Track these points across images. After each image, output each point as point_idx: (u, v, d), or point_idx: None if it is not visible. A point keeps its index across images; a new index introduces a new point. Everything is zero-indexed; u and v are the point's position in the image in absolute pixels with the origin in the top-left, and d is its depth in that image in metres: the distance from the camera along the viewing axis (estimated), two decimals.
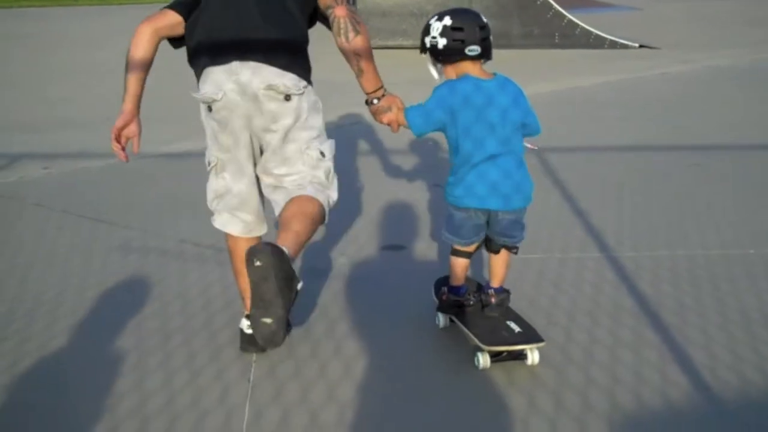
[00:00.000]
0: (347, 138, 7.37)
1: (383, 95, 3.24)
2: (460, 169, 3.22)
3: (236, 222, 3.26)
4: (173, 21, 3.13)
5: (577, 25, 15.49)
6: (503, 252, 3.39)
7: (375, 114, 3.28)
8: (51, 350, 3.39)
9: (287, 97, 3.03)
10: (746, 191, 5.68)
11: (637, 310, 3.72)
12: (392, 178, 6.08)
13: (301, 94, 3.07)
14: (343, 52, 3.06)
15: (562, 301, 3.84)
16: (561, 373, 3.16)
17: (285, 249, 2.77)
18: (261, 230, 3.33)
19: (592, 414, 2.88)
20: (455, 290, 3.48)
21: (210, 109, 3.10)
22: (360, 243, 4.68)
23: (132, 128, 3.21)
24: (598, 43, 15.36)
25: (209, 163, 3.25)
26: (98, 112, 8.99)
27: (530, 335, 3.25)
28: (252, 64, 2.99)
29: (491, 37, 3.32)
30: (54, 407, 2.96)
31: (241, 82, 3.00)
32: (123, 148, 3.24)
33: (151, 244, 4.72)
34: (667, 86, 10.87)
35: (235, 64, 2.99)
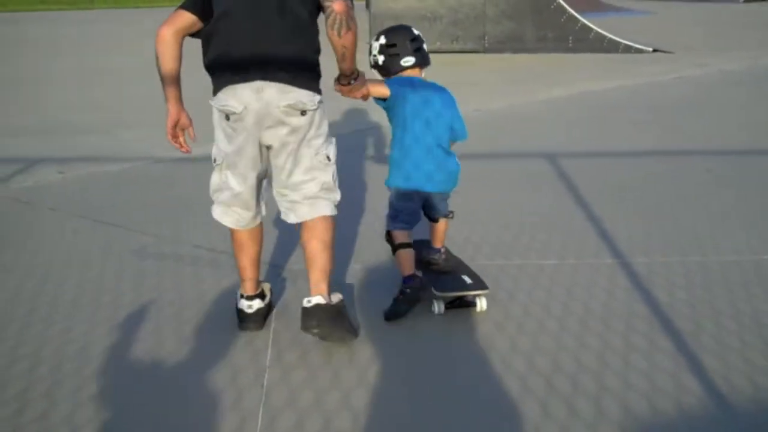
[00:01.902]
0: (360, 144, 7.39)
1: (357, 76, 3.48)
2: (402, 160, 3.83)
3: (231, 215, 3.57)
4: (190, 20, 3.33)
5: (591, 29, 15.47)
6: (442, 221, 4.07)
7: (349, 92, 3.55)
8: (67, 354, 3.41)
9: (303, 113, 3.32)
10: (760, 197, 5.66)
11: (651, 316, 3.72)
12: None
13: (316, 109, 3.35)
14: (332, 41, 3.23)
15: (575, 306, 3.84)
16: (574, 379, 3.16)
17: (322, 299, 3.37)
18: (255, 223, 3.62)
19: (605, 420, 2.88)
20: (407, 280, 3.86)
21: (228, 118, 3.33)
22: (375, 249, 4.69)
23: (183, 122, 3.46)
24: (612, 47, 15.34)
25: (215, 160, 3.51)
26: (114, 117, 9.06)
27: (477, 285, 3.84)
28: (276, 84, 3.25)
29: (424, 46, 3.91)
30: (68, 412, 2.98)
31: (264, 100, 3.25)
32: (181, 143, 3.52)
33: (166, 249, 4.75)
34: (681, 90, 10.84)
35: (260, 83, 3.24)
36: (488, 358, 3.34)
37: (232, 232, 3.63)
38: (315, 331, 3.33)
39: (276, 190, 3.52)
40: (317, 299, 3.36)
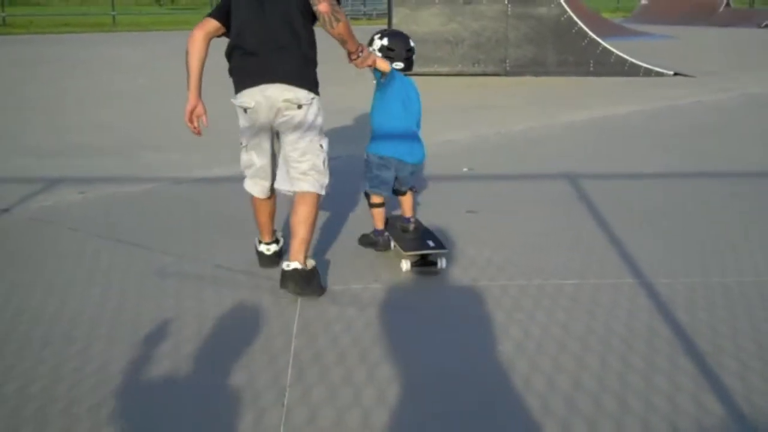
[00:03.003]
0: None
1: (363, 50, 4.49)
2: (387, 132, 4.83)
3: (257, 185, 4.56)
4: (215, 26, 4.32)
5: (612, 52, 15.48)
6: (408, 194, 5.05)
7: (360, 63, 4.53)
8: (86, 373, 3.45)
9: (299, 107, 4.28)
10: None
11: (672, 337, 3.71)
12: (426, 203, 6.11)
13: (310, 104, 4.31)
14: (330, 34, 4.25)
15: (596, 327, 3.84)
16: (595, 399, 3.16)
17: (299, 265, 4.22)
18: (270, 192, 4.59)
19: None
20: (378, 233, 5.04)
21: (245, 111, 4.35)
22: (394, 267, 4.71)
23: (198, 109, 4.35)
24: (633, 70, 15.33)
25: (242, 143, 4.50)
26: (135, 138, 9.14)
27: (438, 246, 4.77)
28: (277, 85, 4.24)
29: (414, 56, 4.90)
30: (86, 431, 3.00)
31: (267, 96, 4.25)
32: (195, 126, 4.39)
33: (187, 269, 4.79)
34: (703, 114, 10.82)
35: (264, 86, 4.25)
36: (509, 377, 3.35)
37: (254, 201, 4.63)
38: (291, 288, 4.21)
39: (279, 162, 4.48)
40: (295, 264, 4.22)
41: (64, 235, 5.47)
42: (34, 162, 7.85)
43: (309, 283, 4.24)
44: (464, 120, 10.42)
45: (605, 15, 31.49)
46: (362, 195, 5.27)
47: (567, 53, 15.55)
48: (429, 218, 5.68)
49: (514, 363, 3.48)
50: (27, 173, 7.33)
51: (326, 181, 4.45)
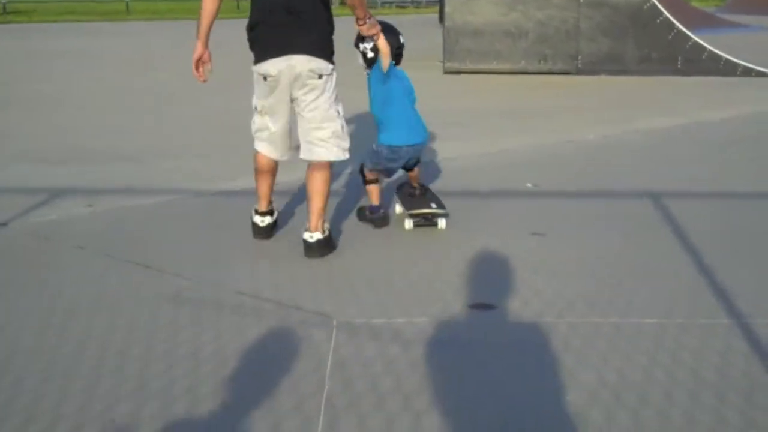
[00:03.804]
0: (434, 179, 7.41)
1: (370, 17, 5.53)
2: (397, 121, 5.91)
3: (267, 147, 5.58)
4: None
5: (704, 48, 15.35)
6: (415, 168, 6.22)
7: (367, 30, 5.59)
8: (91, 414, 3.47)
9: (320, 76, 5.32)
10: None
11: None
12: (482, 225, 6.08)
13: (330, 74, 5.38)
14: (345, 2, 5.38)
15: (682, 374, 3.78)
16: None
17: (321, 235, 5.40)
18: (282, 157, 5.65)
19: None
20: (374, 209, 6.05)
21: (265, 79, 5.35)
22: (445, 300, 4.69)
23: (205, 57, 5.49)
24: (729, 69, 15.19)
25: (255, 108, 5.53)
26: (151, 144, 9.25)
27: (440, 207, 6.06)
28: (301, 57, 5.27)
29: (403, 52, 5.96)
30: None
31: (291, 65, 5.27)
32: (201, 73, 5.52)
33: (205, 294, 4.81)
34: None
35: (288, 56, 5.26)
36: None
37: (257, 160, 5.64)
38: (315, 256, 5.35)
39: (301, 133, 5.44)
40: (317, 235, 5.38)
41: (68, 254, 5.54)
42: (36, 169, 7.97)
43: (329, 244, 5.47)
44: (527, 126, 10.38)
45: (695, 3, 31.27)
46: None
47: (650, 48, 15.45)
48: (486, 241, 5.67)
49: (585, 416, 3.44)
50: (27, 182, 7.45)
51: (347, 144, 5.49)
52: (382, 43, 5.64)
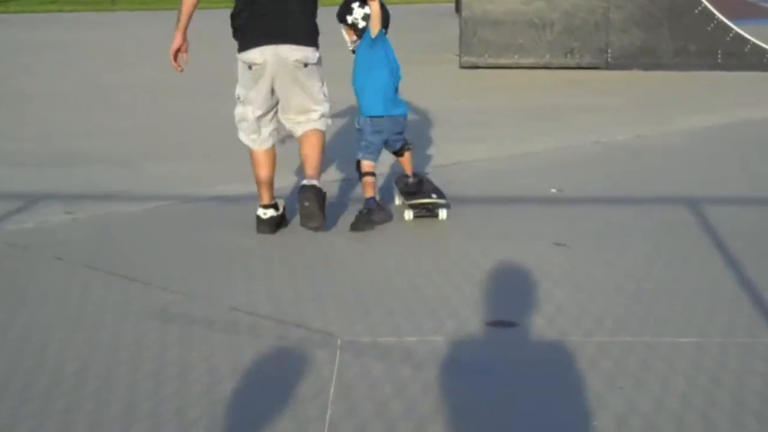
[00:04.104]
0: (450, 184, 7.41)
1: None
2: (370, 89, 6.34)
3: (250, 138, 6.13)
4: None
5: (747, 40, 15.32)
6: (406, 154, 6.64)
7: None
8: None
9: (306, 65, 5.96)
10: None
11: None
12: (501, 234, 6.08)
13: (316, 63, 6.02)
14: None
15: (722, 398, 3.77)
16: None
17: (317, 183, 5.91)
18: (268, 144, 6.15)
19: None
20: (369, 201, 6.32)
21: (250, 67, 5.93)
22: (461, 317, 4.68)
23: (183, 47, 6.07)
24: None
25: (238, 97, 6.09)
26: (136, 145, 9.27)
27: (441, 197, 6.46)
28: (288, 46, 5.88)
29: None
30: None
31: (279, 55, 5.88)
32: (178, 64, 6.14)
33: (195, 310, 4.81)
34: None
35: (276, 46, 5.85)
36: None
37: (251, 153, 6.15)
38: (306, 203, 5.80)
39: (285, 117, 6.14)
40: (313, 181, 5.91)
41: (46, 265, 5.55)
42: (12, 173, 8.00)
43: (321, 200, 5.87)
44: (552, 126, 10.38)
45: None
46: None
47: (687, 40, 15.43)
48: (505, 251, 5.67)
49: None
50: (2, 187, 7.46)
51: (329, 122, 6.32)
52: (377, 6, 6.10)
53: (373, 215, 6.25)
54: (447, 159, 8.35)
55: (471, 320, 4.65)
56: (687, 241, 5.97)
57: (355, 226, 6.21)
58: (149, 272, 5.38)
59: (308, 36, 5.98)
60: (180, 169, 8.03)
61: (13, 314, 4.76)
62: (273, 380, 3.98)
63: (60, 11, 30.79)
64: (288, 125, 6.20)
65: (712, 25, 15.40)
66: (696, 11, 15.38)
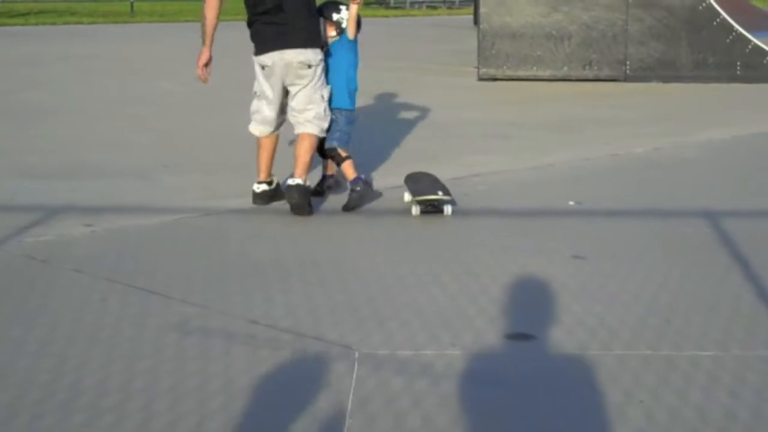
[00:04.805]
0: (467, 196, 7.42)
1: None
2: (355, 87, 7.29)
3: (259, 129, 7.14)
4: None
5: (766, 52, 15.27)
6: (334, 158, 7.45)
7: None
8: None
9: (309, 66, 6.88)
10: None
11: None
12: (519, 246, 6.08)
13: (318, 64, 6.94)
14: None
15: (741, 412, 3.76)
16: None
17: (302, 181, 6.82)
18: (272, 132, 7.11)
19: None
20: (355, 181, 7.02)
21: (263, 68, 6.95)
22: (477, 329, 4.68)
23: (210, 63, 7.06)
24: None
25: (255, 92, 7.12)
26: (155, 158, 9.29)
27: (446, 194, 6.89)
28: (293, 50, 6.83)
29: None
30: None
31: (284, 58, 6.85)
32: (204, 76, 7.09)
33: (214, 323, 4.83)
34: None
35: (282, 51, 6.83)
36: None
37: (258, 139, 7.13)
38: (293, 200, 6.81)
39: (290, 113, 7.04)
40: (299, 180, 6.81)
41: (66, 278, 5.57)
42: (31, 185, 8.02)
43: (306, 194, 6.89)
44: (569, 139, 10.38)
45: (757, 3, 31.11)
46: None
47: (706, 52, 15.39)
48: (523, 263, 5.67)
49: None
50: (21, 199, 7.49)
51: (326, 125, 7.04)
52: (356, 11, 7.06)
53: (364, 192, 7.05)
54: (465, 170, 8.35)
55: (488, 332, 4.65)
56: (705, 254, 5.95)
57: (348, 207, 7.01)
58: (168, 285, 5.39)
59: (309, 39, 6.90)
60: (198, 182, 8.05)
61: (32, 327, 4.77)
62: (290, 393, 3.99)
63: (79, 23, 30.93)
64: (291, 120, 7.09)
65: (730, 37, 15.36)
66: (714, 23, 15.35)
